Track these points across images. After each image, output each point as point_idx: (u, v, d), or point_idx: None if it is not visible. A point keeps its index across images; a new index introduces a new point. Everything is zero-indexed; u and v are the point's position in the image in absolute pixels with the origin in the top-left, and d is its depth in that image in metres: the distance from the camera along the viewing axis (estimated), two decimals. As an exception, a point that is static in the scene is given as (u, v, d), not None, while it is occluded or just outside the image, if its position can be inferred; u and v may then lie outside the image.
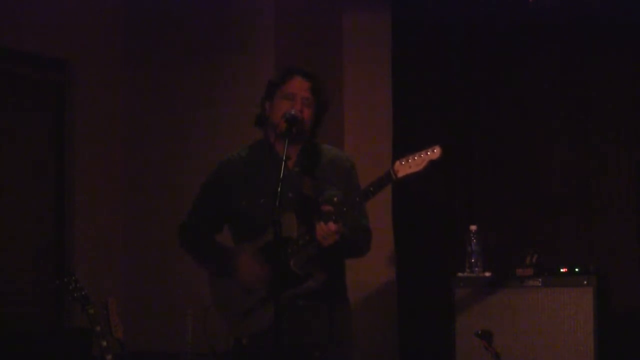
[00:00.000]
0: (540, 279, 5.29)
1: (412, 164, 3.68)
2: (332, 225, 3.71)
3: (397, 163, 3.70)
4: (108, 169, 6.13)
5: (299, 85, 3.94)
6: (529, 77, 6.03)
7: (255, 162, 4.00)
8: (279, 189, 3.57)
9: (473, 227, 5.48)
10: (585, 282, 5.21)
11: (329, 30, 6.26)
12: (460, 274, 5.45)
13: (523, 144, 6.05)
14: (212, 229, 4.07)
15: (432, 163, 3.65)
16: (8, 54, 5.69)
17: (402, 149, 6.15)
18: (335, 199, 3.89)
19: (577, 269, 5.36)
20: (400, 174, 3.69)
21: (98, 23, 6.10)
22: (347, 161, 4.07)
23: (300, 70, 3.99)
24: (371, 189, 3.73)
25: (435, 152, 3.68)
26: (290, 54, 5.81)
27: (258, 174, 3.95)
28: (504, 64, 6.09)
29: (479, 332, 4.80)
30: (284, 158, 3.67)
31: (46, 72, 5.93)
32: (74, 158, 5.97)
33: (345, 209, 3.74)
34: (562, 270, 5.38)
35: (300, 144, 3.95)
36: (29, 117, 5.88)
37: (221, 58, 5.94)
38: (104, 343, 4.51)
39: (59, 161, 5.96)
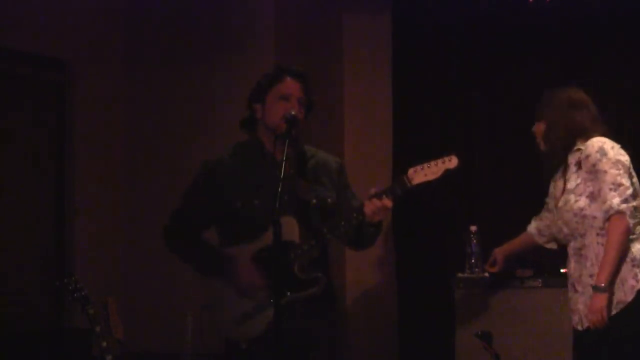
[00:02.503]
0: (540, 280, 5.30)
1: (427, 172, 3.68)
2: (387, 201, 3.68)
3: (411, 170, 3.69)
4: (108, 169, 6.12)
5: (292, 86, 3.94)
6: (529, 77, 6.03)
7: (248, 163, 3.98)
8: (279, 190, 3.56)
9: (473, 228, 5.48)
10: (585, 283, 5.21)
11: (329, 30, 6.26)
12: (460, 275, 5.45)
13: (523, 144, 6.03)
14: (200, 230, 4.05)
15: (448, 172, 3.65)
16: (8, 53, 5.68)
17: (402, 149, 6.21)
18: (329, 200, 3.89)
19: (576, 270, 5.36)
20: (415, 182, 3.69)
21: (98, 23, 6.10)
22: (336, 162, 4.07)
23: (291, 70, 3.98)
24: (383, 195, 3.72)
25: (451, 162, 3.68)
26: (290, 54, 5.81)
27: (252, 175, 3.94)
28: (504, 64, 6.09)
29: (479, 332, 4.80)
30: (284, 158, 3.67)
31: (46, 72, 5.92)
32: (74, 158, 5.97)
33: (355, 214, 3.74)
34: (562, 270, 5.38)
35: (294, 146, 3.94)
36: (29, 117, 5.87)
37: (221, 58, 5.94)
38: (104, 343, 4.51)
39: (59, 161, 5.96)
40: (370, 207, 3.70)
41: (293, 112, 3.85)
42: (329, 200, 3.90)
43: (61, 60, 5.96)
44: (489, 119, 6.12)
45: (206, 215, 4.02)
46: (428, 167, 3.67)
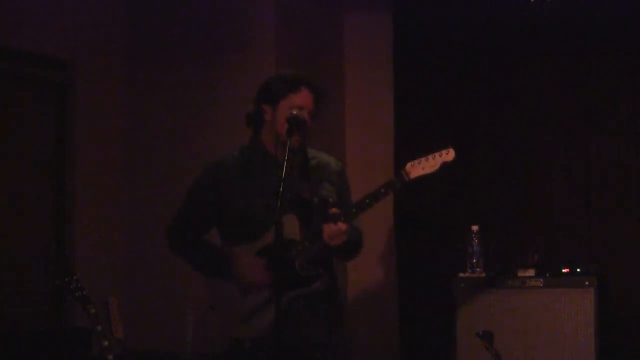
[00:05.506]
0: (541, 280, 5.30)
1: (425, 166, 3.68)
2: (342, 225, 3.69)
3: (409, 165, 3.69)
4: (109, 169, 6.12)
5: (307, 98, 3.92)
6: (530, 77, 6.03)
7: (250, 163, 3.99)
8: (281, 189, 3.56)
9: (474, 227, 5.49)
10: (586, 283, 5.21)
11: (330, 30, 6.26)
12: (461, 274, 5.45)
13: (524, 145, 6.04)
14: (203, 230, 4.05)
15: (445, 165, 3.64)
16: (9, 53, 5.67)
17: (403, 150, 6.21)
18: (330, 199, 3.89)
19: (578, 270, 5.36)
20: (413, 175, 3.68)
21: (99, 23, 6.10)
22: (337, 165, 4.08)
23: (308, 82, 3.95)
24: (382, 190, 3.72)
25: (448, 154, 3.68)
26: (291, 54, 5.81)
27: (254, 175, 3.94)
28: (505, 64, 6.08)
29: (480, 332, 4.79)
30: (286, 158, 3.67)
31: (47, 72, 5.91)
32: (74, 158, 5.96)
33: (354, 210, 3.74)
34: (563, 270, 5.38)
35: (297, 147, 3.94)
36: (30, 117, 5.86)
37: (222, 58, 5.94)
38: (105, 343, 4.50)
39: (60, 161, 5.95)
40: (326, 231, 3.71)
41: (294, 112, 3.85)
42: (330, 200, 3.90)
43: (62, 60, 5.95)
44: (490, 119, 6.11)
45: (208, 217, 4.02)
46: (426, 160, 3.68)
